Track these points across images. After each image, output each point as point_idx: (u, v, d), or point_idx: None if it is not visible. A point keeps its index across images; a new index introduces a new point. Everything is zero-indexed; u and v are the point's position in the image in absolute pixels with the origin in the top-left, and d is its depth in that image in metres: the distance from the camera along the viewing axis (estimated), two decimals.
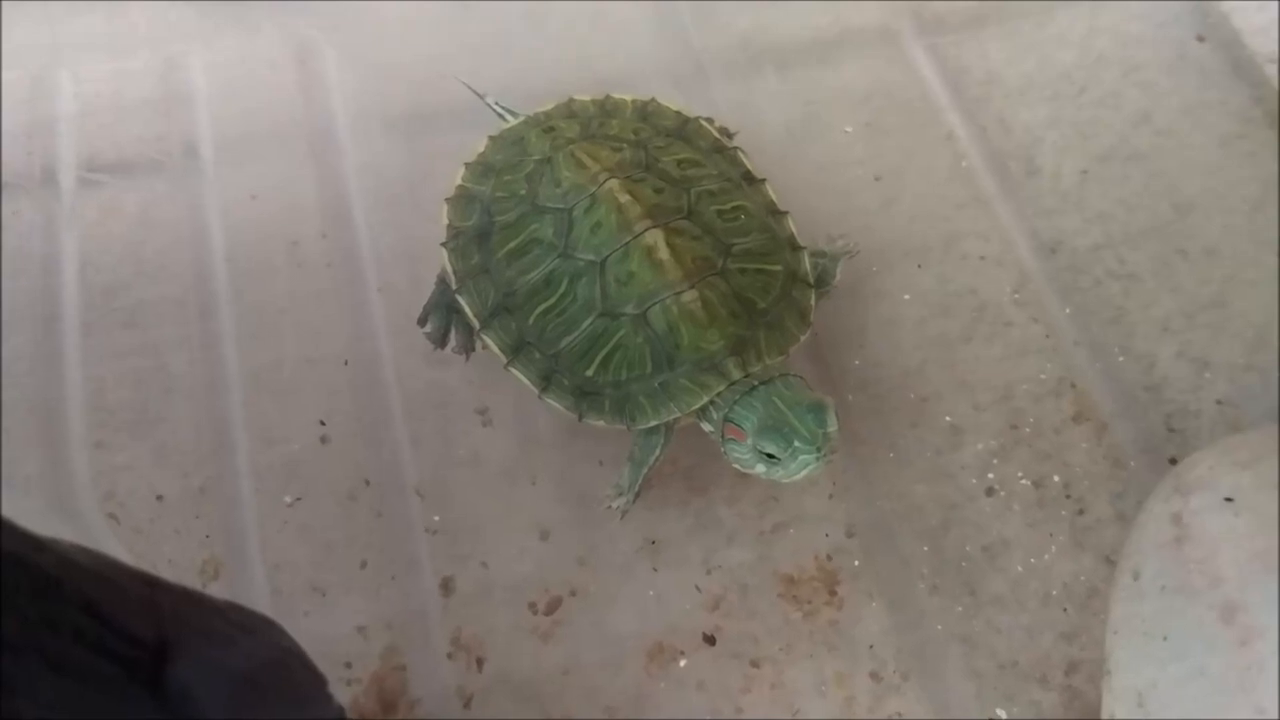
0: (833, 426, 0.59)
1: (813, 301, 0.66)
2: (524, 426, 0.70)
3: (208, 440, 0.69)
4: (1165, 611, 0.56)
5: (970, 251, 0.77)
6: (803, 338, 0.64)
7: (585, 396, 0.64)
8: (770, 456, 0.59)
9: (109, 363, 0.72)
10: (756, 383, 0.61)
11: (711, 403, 0.62)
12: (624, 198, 0.64)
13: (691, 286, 0.62)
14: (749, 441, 0.60)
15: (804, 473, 0.59)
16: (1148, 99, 0.84)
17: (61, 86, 0.83)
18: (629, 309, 0.62)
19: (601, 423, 0.64)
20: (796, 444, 0.58)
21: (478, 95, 0.78)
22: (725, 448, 0.62)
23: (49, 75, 0.84)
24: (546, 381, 0.65)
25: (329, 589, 0.65)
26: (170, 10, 0.88)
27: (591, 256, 0.64)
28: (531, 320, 0.65)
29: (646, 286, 0.62)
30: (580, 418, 0.64)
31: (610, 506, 0.67)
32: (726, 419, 0.61)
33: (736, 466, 0.63)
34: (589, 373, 0.63)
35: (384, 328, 0.74)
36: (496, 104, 0.78)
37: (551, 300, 0.65)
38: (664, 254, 0.62)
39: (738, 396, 0.61)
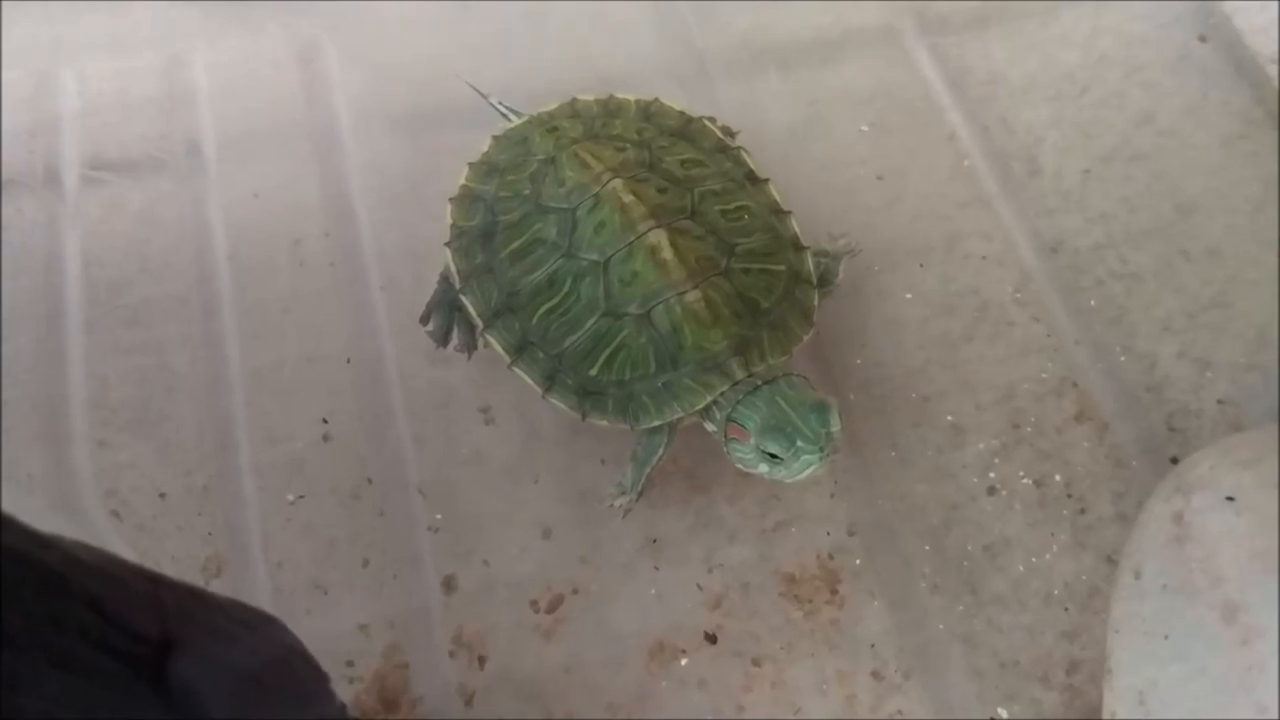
0: (835, 426, 0.59)
1: (815, 301, 0.66)
2: (526, 425, 0.70)
3: (210, 438, 0.69)
4: (1166, 611, 0.56)
5: (972, 251, 0.77)
6: (806, 337, 0.64)
7: (589, 396, 0.64)
8: (773, 456, 0.59)
9: (112, 360, 0.72)
10: (760, 382, 0.61)
11: (715, 402, 0.62)
12: (627, 198, 0.64)
13: (695, 286, 0.62)
14: (752, 441, 0.60)
15: (807, 472, 0.59)
16: (1150, 99, 0.84)
17: (64, 85, 0.83)
18: (632, 309, 0.62)
19: (605, 422, 0.64)
20: (799, 444, 0.58)
21: (482, 95, 0.78)
22: (728, 447, 0.62)
23: (52, 74, 0.83)
24: (550, 381, 0.65)
25: (331, 587, 0.65)
26: (172, 9, 0.88)
27: (595, 256, 0.64)
28: (535, 320, 0.65)
29: (650, 286, 0.62)
30: (583, 417, 0.64)
31: (612, 505, 0.67)
32: (730, 419, 0.61)
33: (739, 466, 0.63)
34: (592, 372, 0.64)
35: (386, 326, 0.74)
36: (500, 103, 0.78)
37: (555, 300, 0.65)
38: (667, 254, 0.62)
39: (741, 396, 0.61)
